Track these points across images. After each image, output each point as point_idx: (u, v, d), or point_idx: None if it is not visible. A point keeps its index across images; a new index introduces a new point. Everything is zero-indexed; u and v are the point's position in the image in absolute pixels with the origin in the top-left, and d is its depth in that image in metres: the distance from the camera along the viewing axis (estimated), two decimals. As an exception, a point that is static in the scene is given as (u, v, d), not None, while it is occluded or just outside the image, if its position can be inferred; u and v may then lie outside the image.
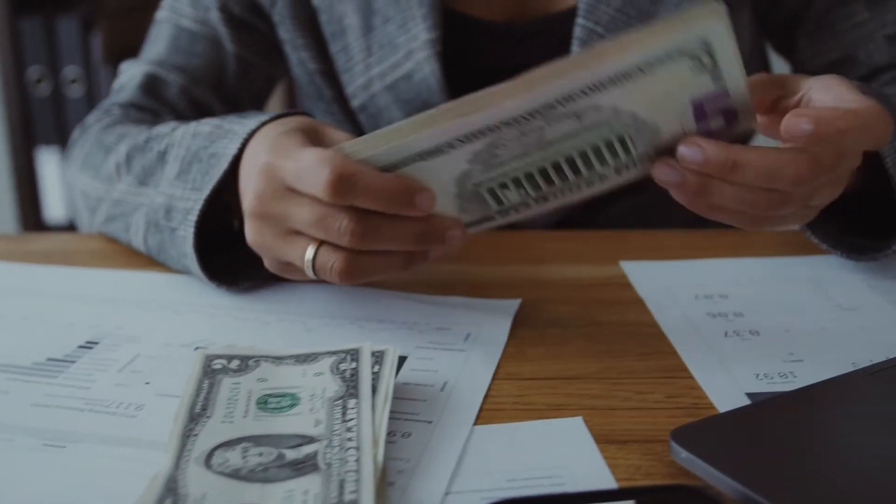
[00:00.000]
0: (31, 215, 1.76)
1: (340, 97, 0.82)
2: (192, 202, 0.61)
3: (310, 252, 0.53)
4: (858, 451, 0.42)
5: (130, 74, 0.84)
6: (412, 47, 0.78)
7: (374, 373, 0.47)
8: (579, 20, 0.76)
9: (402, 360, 0.52)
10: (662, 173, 0.50)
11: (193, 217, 0.60)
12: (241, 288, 0.62)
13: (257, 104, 0.89)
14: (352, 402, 0.45)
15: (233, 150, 0.59)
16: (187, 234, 0.60)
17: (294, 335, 0.56)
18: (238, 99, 0.86)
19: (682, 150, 0.48)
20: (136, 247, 0.67)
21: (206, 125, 0.64)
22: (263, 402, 0.45)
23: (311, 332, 0.56)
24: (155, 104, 0.82)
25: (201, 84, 0.83)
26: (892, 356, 0.51)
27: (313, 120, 0.58)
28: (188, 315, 0.59)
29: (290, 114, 0.60)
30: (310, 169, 0.50)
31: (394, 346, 0.49)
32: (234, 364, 0.49)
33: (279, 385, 0.47)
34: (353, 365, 0.48)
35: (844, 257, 0.65)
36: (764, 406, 0.46)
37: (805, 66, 0.84)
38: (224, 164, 0.59)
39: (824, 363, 0.52)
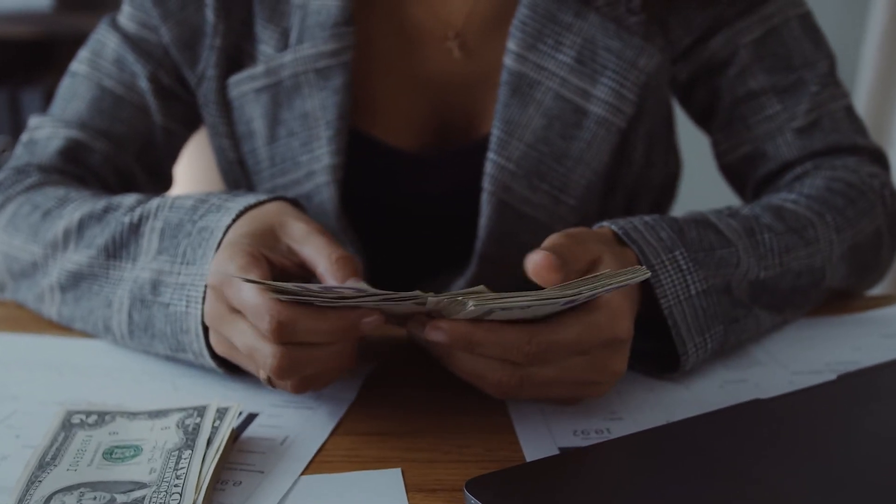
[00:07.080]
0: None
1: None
2: (185, 276, 0.60)
3: (262, 374, 0.54)
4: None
5: (48, 135, 0.81)
6: (313, 168, 0.77)
7: (213, 427, 0.52)
8: (490, 155, 0.75)
9: (253, 416, 0.57)
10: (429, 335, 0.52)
11: (197, 292, 0.59)
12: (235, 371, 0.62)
13: (174, 165, 0.88)
14: (186, 454, 0.50)
15: (226, 222, 0.59)
16: (191, 309, 0.59)
17: (162, 393, 0.61)
18: (160, 166, 0.85)
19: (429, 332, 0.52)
20: (109, 323, 0.65)
21: (186, 199, 0.64)
22: (110, 453, 0.50)
23: (178, 391, 0.61)
24: (79, 171, 0.80)
25: (125, 152, 0.81)
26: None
27: (278, 214, 0.59)
28: (69, 376, 0.64)
29: (268, 200, 0.61)
30: (252, 311, 0.51)
31: (241, 404, 0.55)
32: (92, 419, 0.54)
33: (127, 438, 0.52)
34: (198, 420, 0.53)
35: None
36: (556, 459, 0.51)
37: (721, 160, 0.85)
38: (218, 235, 0.59)
39: (639, 421, 0.58)
